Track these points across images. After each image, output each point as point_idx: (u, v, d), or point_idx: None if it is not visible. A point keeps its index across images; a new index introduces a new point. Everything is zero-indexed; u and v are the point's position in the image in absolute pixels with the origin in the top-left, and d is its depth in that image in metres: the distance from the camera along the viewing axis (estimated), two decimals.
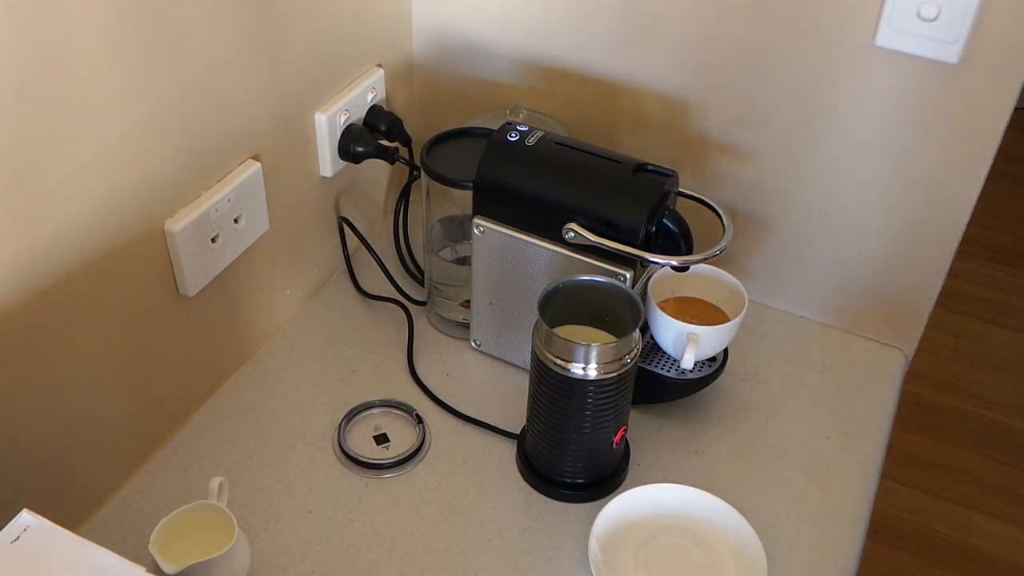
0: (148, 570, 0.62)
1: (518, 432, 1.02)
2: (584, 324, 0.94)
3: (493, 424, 1.03)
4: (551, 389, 0.90)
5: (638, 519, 0.92)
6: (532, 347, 0.90)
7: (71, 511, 0.90)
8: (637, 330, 0.89)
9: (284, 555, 0.90)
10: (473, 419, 1.03)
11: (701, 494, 0.93)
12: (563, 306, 0.92)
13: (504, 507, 0.96)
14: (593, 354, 0.87)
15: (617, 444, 0.95)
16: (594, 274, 0.93)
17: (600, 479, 0.97)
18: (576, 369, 0.88)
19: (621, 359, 0.88)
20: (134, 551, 0.88)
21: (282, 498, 0.95)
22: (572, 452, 0.94)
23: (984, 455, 2.23)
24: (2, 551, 0.62)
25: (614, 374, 0.88)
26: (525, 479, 0.98)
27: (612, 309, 0.92)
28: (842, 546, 0.94)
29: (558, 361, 0.88)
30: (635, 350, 0.90)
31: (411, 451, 0.99)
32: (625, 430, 0.95)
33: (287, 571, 0.89)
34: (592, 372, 0.88)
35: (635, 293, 0.92)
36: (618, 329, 0.92)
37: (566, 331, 0.93)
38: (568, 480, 0.96)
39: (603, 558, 0.89)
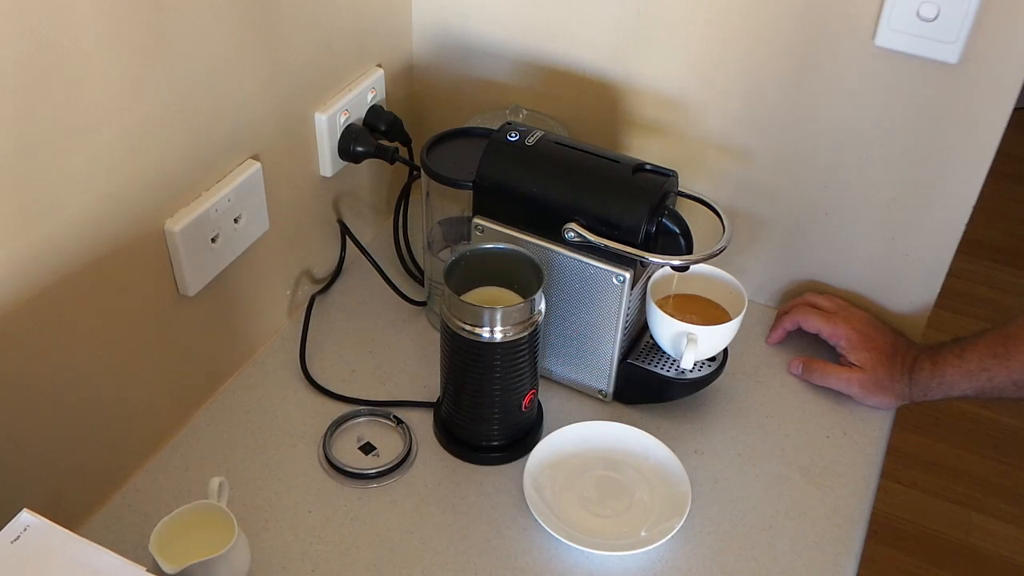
0: (148, 570, 0.62)
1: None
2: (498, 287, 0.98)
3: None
4: (461, 354, 0.93)
5: (565, 457, 0.98)
6: (440, 315, 0.93)
7: (71, 511, 0.90)
8: (540, 292, 0.91)
9: (284, 555, 0.90)
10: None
11: (621, 427, 0.99)
12: (472, 274, 0.95)
13: (503, 506, 0.96)
14: (498, 316, 0.90)
15: (527, 407, 0.97)
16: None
17: (514, 441, 1.00)
18: (484, 333, 0.90)
19: (525, 321, 0.91)
20: (134, 551, 0.88)
21: (282, 498, 0.95)
22: (486, 416, 0.97)
23: (984, 455, 2.23)
24: (2, 551, 0.62)
25: (523, 335, 0.91)
26: (443, 446, 1.01)
27: (518, 275, 0.95)
28: (842, 546, 0.94)
29: (465, 326, 0.91)
30: (539, 311, 0.93)
31: (399, 459, 0.98)
32: (534, 393, 0.98)
33: (287, 571, 0.89)
34: (499, 335, 0.90)
35: (536, 257, 0.94)
36: (526, 293, 0.94)
37: (476, 296, 0.96)
38: (484, 444, 1.00)
39: (537, 495, 0.94)
